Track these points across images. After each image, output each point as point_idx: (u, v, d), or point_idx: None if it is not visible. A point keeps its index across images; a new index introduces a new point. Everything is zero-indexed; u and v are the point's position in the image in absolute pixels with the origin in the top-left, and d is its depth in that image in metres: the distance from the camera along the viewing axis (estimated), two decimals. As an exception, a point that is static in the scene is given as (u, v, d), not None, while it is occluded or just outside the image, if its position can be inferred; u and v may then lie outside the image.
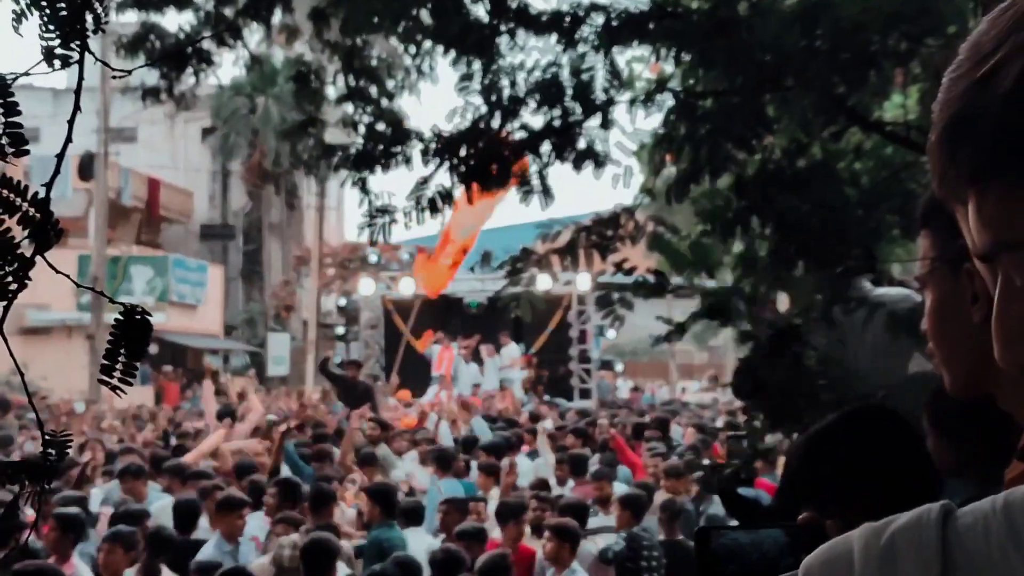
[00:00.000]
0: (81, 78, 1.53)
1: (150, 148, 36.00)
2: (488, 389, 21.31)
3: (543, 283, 12.34)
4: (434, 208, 6.44)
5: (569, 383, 24.21)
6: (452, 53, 6.44)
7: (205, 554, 7.31)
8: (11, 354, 1.55)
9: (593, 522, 8.47)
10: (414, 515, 8.34)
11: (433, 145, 6.42)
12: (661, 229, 6.90)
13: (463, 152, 6.39)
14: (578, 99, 6.34)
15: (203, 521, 8.15)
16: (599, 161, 6.54)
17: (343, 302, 30.25)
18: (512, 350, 23.80)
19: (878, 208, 5.90)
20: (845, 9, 5.34)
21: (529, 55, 6.46)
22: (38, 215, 1.44)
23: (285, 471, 9.82)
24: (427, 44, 6.72)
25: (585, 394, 24.12)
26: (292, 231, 38.55)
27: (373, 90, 7.13)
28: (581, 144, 6.49)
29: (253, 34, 8.33)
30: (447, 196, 6.45)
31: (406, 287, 24.35)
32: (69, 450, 1.53)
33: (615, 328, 7.71)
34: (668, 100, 6.38)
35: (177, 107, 8.82)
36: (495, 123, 6.45)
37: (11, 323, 1.47)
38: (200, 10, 7.53)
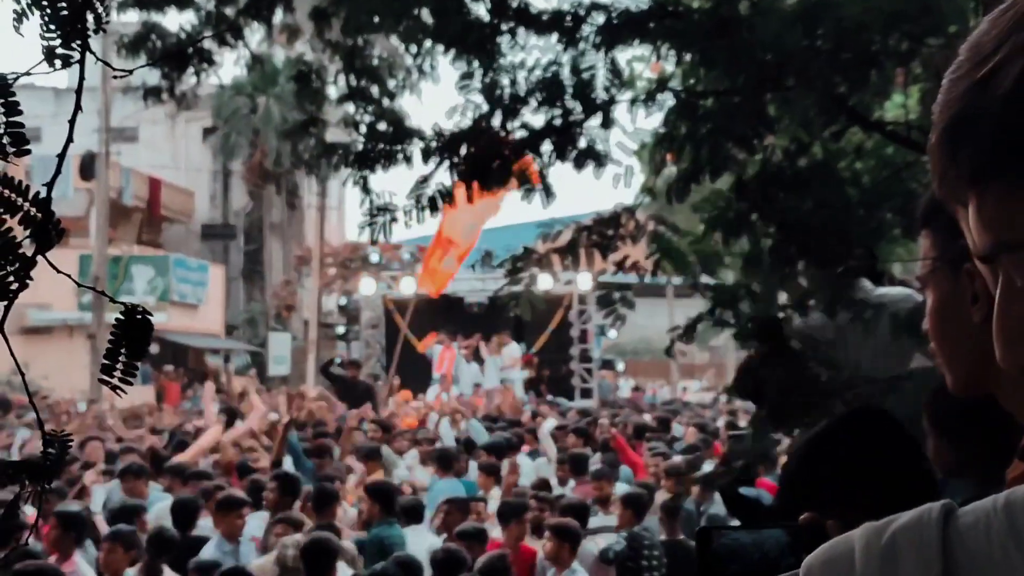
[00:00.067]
0: (82, 78, 1.53)
1: (151, 148, 35.99)
2: (489, 388, 21.33)
3: (544, 282, 12.34)
4: (434, 207, 6.44)
5: (570, 382, 24.22)
6: (453, 52, 6.44)
7: (205, 554, 7.32)
8: (12, 354, 1.55)
9: (594, 522, 8.48)
10: (414, 513, 8.35)
11: (434, 144, 6.42)
12: (662, 228, 6.89)
13: (463, 151, 6.39)
14: (579, 98, 6.34)
15: (208, 522, 8.15)
16: (600, 160, 6.54)
17: (344, 302, 30.30)
18: (513, 349, 23.81)
19: (879, 208, 5.90)
20: (846, 9, 5.34)
21: (530, 54, 6.47)
22: (39, 215, 1.44)
23: (288, 464, 9.85)
24: (428, 43, 6.72)
25: (586, 394, 24.13)
26: (293, 231, 38.54)
27: (374, 90, 7.12)
28: (582, 143, 6.49)
29: (254, 34, 8.33)
30: (447, 194, 6.45)
31: (407, 287, 24.35)
32: (70, 448, 1.53)
33: (616, 327, 7.71)
34: (669, 99, 6.37)
35: (178, 107, 8.82)
36: (496, 122, 6.45)
37: (12, 323, 1.48)
38: (201, 10, 7.53)
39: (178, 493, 9.09)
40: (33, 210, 1.44)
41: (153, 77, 7.90)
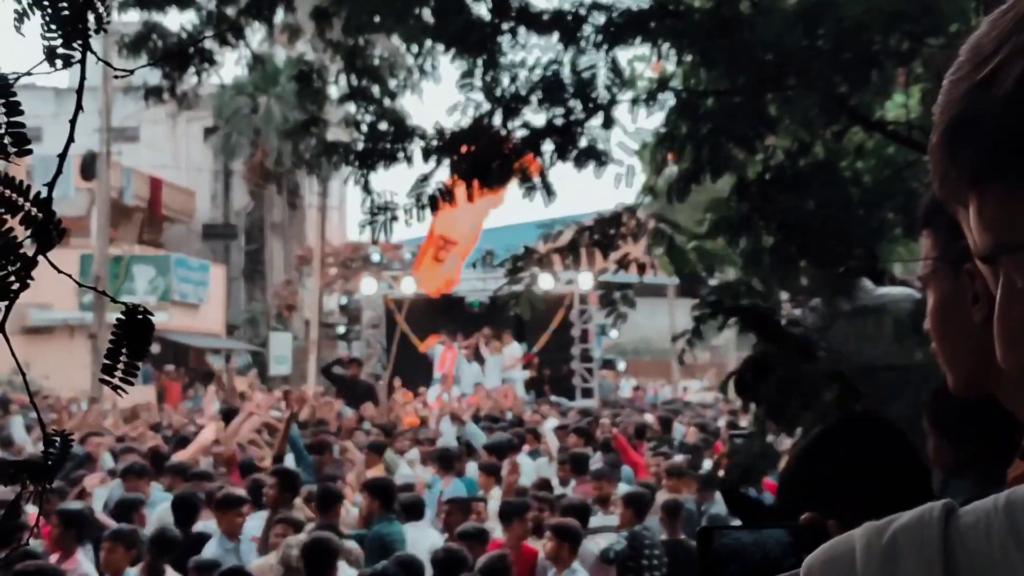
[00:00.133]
0: (83, 78, 1.53)
1: (152, 148, 36.01)
2: (490, 388, 21.33)
3: (545, 282, 12.34)
4: (435, 205, 6.44)
5: (571, 382, 24.22)
6: (453, 52, 6.44)
7: (207, 553, 7.33)
8: (13, 354, 1.55)
9: (595, 521, 8.48)
10: (414, 510, 8.36)
11: (435, 143, 6.42)
12: (663, 226, 6.89)
13: (464, 149, 6.39)
14: (579, 98, 6.33)
15: (211, 524, 8.14)
16: (601, 160, 6.53)
17: (345, 301, 30.31)
18: (514, 349, 23.81)
19: (880, 208, 5.90)
20: (847, 9, 5.34)
21: (530, 53, 6.47)
22: (40, 215, 1.44)
23: (289, 460, 9.86)
24: (429, 43, 6.72)
25: (587, 393, 24.13)
26: (294, 230, 38.56)
27: (375, 89, 7.12)
28: (583, 143, 6.49)
29: (255, 33, 8.34)
30: (448, 193, 6.44)
31: (408, 286, 24.36)
32: (71, 447, 1.52)
33: (617, 327, 7.70)
34: (670, 99, 6.37)
35: (179, 107, 8.82)
36: (496, 120, 6.45)
37: (13, 323, 1.48)
38: (202, 9, 7.53)
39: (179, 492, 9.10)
40: (34, 210, 1.44)
41: (154, 77, 7.90)
